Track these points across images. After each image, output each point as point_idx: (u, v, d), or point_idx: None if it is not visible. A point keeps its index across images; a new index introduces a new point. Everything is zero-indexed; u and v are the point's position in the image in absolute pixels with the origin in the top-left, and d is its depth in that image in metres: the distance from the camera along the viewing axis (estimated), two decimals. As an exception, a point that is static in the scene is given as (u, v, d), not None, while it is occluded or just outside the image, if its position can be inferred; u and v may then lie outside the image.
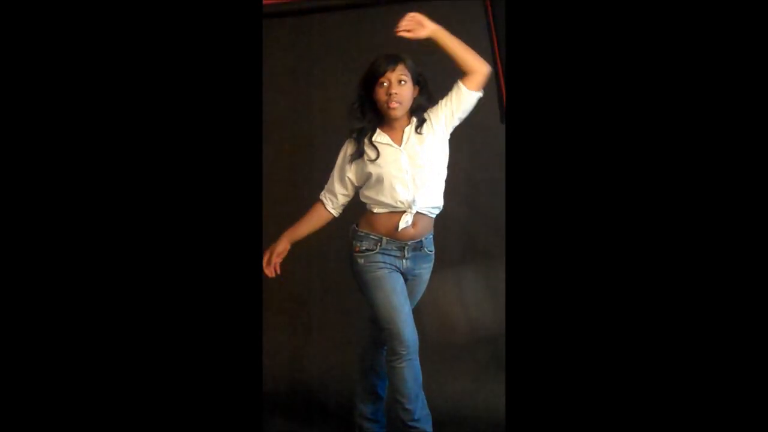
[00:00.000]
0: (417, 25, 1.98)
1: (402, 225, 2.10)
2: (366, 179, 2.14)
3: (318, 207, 2.23)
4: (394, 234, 2.11)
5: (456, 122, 2.14)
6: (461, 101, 2.09)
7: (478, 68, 2.04)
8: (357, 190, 2.19)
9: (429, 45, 2.03)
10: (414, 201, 2.09)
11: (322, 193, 2.24)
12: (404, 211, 2.10)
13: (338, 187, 2.20)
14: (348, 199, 2.22)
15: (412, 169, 2.09)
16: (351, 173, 2.17)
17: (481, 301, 2.74)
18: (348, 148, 2.18)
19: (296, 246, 2.97)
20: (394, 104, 2.07)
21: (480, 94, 2.09)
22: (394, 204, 2.10)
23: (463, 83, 2.07)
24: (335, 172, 2.20)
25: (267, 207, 1.95)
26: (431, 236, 2.20)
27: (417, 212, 2.11)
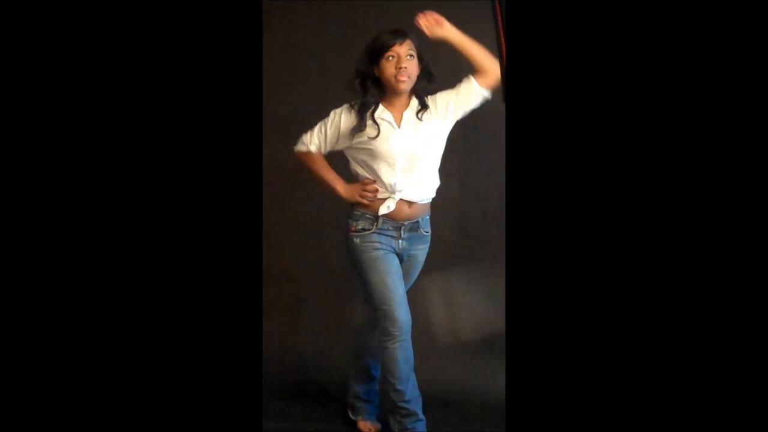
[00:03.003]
0: (435, 24, 2.02)
1: (382, 210, 2.08)
2: (354, 150, 2.12)
3: (313, 157, 2.17)
4: (387, 214, 2.10)
5: (459, 116, 2.13)
6: (469, 95, 2.10)
7: (492, 67, 2.05)
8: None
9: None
10: (395, 185, 2.07)
11: (306, 143, 2.18)
12: (388, 196, 2.09)
13: (329, 142, 2.15)
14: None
15: (403, 154, 2.07)
16: (342, 139, 2.13)
17: (479, 288, 2.74)
18: (344, 116, 2.13)
19: (290, 226, 2.98)
20: (403, 77, 2.05)
21: (488, 95, 2.11)
22: (378, 186, 2.09)
23: (476, 78, 2.08)
24: (328, 130, 2.14)
25: (265, 194, 1.93)
26: (428, 217, 2.19)
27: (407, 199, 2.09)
